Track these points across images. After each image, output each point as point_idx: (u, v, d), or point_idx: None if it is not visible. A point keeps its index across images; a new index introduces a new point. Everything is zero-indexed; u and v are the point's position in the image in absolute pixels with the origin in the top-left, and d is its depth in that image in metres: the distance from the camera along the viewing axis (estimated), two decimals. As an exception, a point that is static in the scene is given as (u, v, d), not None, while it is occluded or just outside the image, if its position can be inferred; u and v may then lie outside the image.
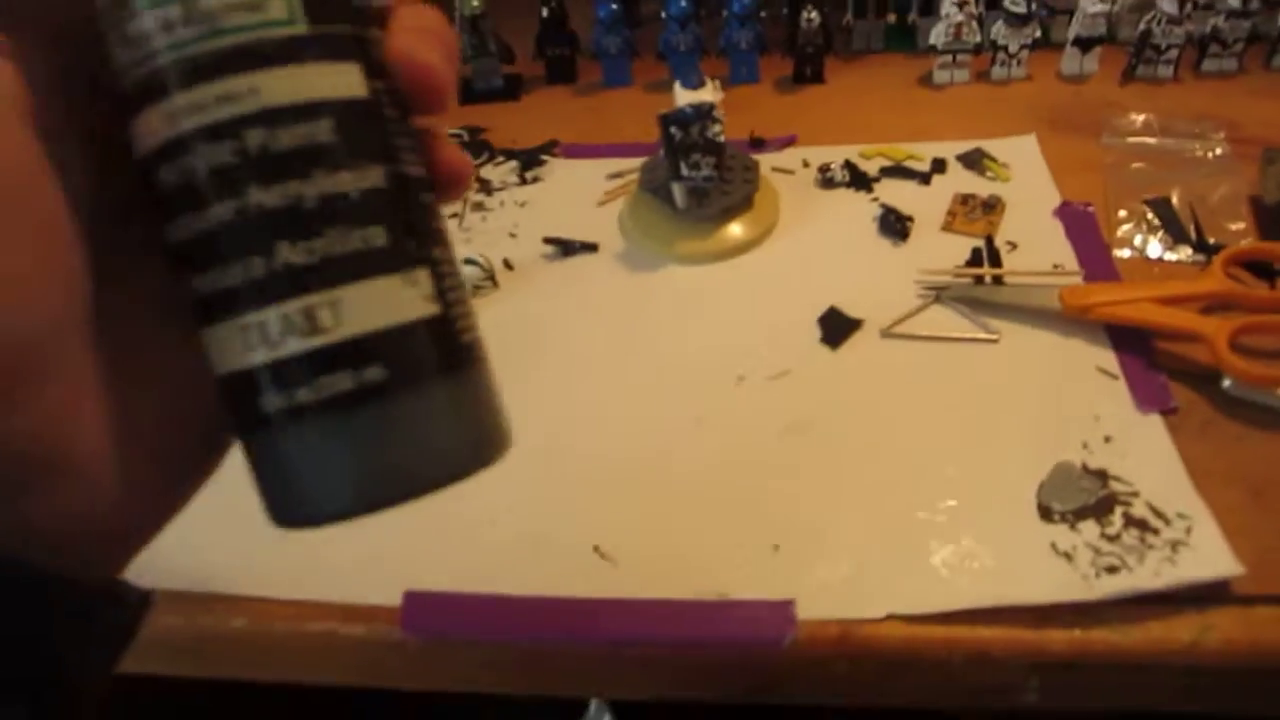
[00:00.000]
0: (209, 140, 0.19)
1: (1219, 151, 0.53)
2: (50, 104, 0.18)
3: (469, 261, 0.50)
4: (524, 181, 0.58)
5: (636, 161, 0.56)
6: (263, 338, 0.19)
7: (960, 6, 0.59)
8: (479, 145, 0.62)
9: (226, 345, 0.19)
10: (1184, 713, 0.34)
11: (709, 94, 0.48)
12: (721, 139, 0.49)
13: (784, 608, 0.35)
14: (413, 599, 0.36)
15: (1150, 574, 0.34)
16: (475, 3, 0.63)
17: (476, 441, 0.21)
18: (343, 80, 0.20)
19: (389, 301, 0.20)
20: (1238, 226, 0.48)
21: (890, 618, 0.34)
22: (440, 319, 0.20)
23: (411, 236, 0.20)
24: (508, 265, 0.52)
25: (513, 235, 0.54)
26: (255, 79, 0.19)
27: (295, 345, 0.19)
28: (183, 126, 0.19)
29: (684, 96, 0.48)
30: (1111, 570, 0.34)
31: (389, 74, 0.21)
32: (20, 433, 0.17)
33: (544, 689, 0.38)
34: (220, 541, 0.35)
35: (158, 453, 0.20)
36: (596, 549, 0.38)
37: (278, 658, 0.38)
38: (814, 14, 0.60)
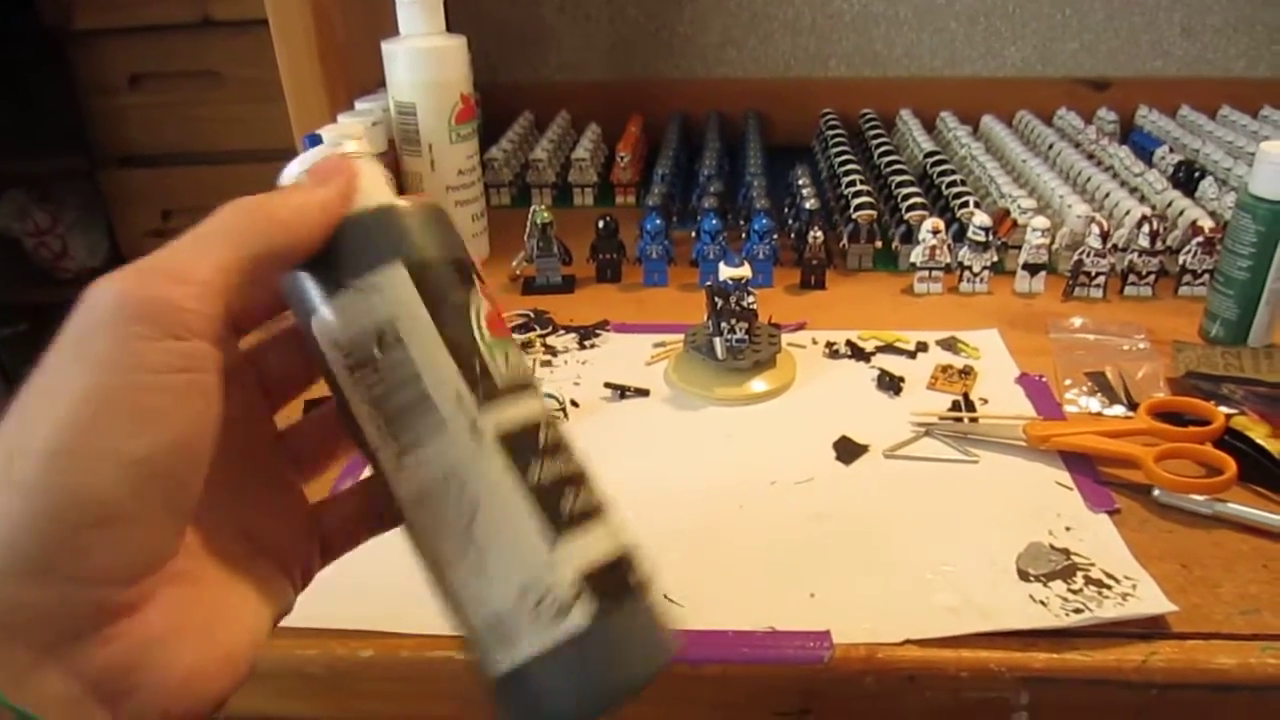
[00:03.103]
0: None
1: (1141, 346, 0.67)
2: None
3: (548, 395, 0.61)
4: (583, 347, 0.71)
5: (677, 335, 0.69)
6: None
7: (934, 234, 0.75)
8: (544, 321, 0.75)
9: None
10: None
11: (745, 272, 0.62)
12: (754, 308, 0.62)
13: (822, 635, 0.43)
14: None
15: (1107, 611, 0.43)
16: (546, 215, 0.79)
17: (660, 643, 0.29)
18: None
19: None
20: (1158, 395, 0.61)
21: (907, 642, 0.43)
22: (631, 548, 0.29)
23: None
24: (574, 403, 0.63)
25: (576, 384, 0.66)
26: None
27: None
28: None
29: (725, 272, 0.62)
30: (1078, 611, 0.43)
31: None
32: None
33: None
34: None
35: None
36: (665, 596, 0.46)
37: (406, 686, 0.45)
38: (818, 233, 0.76)
